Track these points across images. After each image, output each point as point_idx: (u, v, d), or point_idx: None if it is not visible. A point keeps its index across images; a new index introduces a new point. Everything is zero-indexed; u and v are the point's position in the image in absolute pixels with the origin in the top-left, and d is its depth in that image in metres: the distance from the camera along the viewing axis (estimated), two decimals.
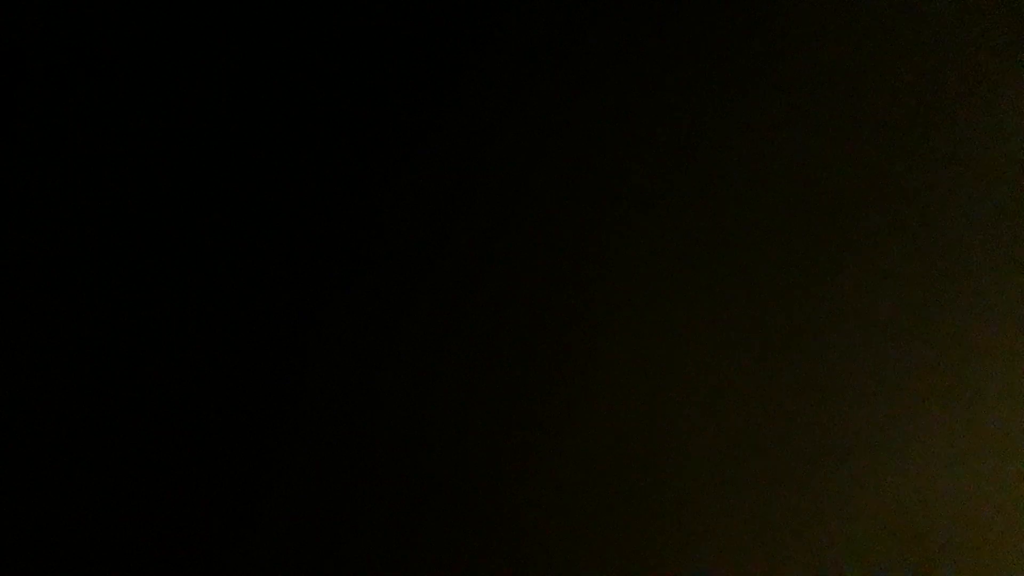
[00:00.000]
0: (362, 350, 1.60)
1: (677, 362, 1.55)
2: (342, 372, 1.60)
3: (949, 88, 1.53)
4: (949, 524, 1.48)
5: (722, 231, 1.56)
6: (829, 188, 1.55)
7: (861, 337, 1.52)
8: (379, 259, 1.61)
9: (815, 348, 1.53)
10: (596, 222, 1.58)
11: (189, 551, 1.58)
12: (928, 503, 1.49)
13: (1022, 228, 1.51)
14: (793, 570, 1.51)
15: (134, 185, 1.63)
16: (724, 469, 1.53)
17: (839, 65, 1.55)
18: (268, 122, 1.63)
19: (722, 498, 1.53)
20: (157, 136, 1.64)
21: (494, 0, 1.62)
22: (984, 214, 1.51)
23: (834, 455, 1.51)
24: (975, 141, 1.52)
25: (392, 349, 1.60)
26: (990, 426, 1.49)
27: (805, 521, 1.51)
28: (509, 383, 1.58)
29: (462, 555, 1.57)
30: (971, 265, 1.51)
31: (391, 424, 1.59)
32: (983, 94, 1.53)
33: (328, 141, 1.63)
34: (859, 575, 1.49)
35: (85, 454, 1.60)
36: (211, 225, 1.62)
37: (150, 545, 1.58)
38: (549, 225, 1.59)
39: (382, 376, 1.60)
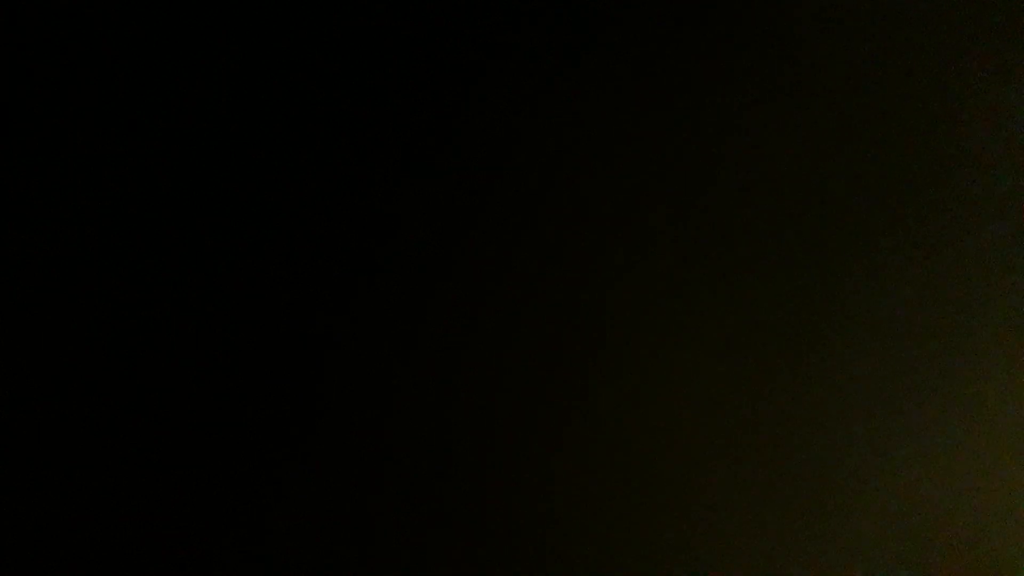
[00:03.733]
0: (370, 352, 1.60)
1: (681, 363, 1.55)
2: (352, 375, 1.60)
3: (950, 88, 1.53)
4: (949, 524, 1.48)
5: (723, 233, 1.56)
6: (830, 190, 1.54)
7: (862, 338, 1.52)
8: (389, 262, 1.61)
9: (816, 349, 1.53)
10: (601, 224, 1.58)
11: (200, 551, 1.58)
12: (928, 503, 1.49)
13: (1022, 228, 1.51)
14: (794, 570, 1.51)
15: (171, 188, 1.63)
16: (726, 469, 1.53)
17: (842, 67, 1.55)
18: (284, 123, 1.63)
19: (724, 498, 1.53)
20: (188, 139, 1.63)
21: (501, 6, 1.62)
22: (984, 214, 1.51)
23: (835, 455, 1.51)
24: (976, 142, 1.52)
25: (399, 351, 1.60)
26: (991, 426, 1.49)
27: (806, 521, 1.51)
28: (514, 384, 1.58)
29: (463, 555, 1.57)
30: (971, 266, 1.51)
31: (397, 425, 1.59)
32: (984, 94, 1.53)
33: (344, 144, 1.63)
34: (860, 575, 1.49)
35: (96, 455, 1.60)
36: (225, 227, 1.62)
37: (158, 547, 1.59)
38: (554, 227, 1.59)
39: (391, 378, 1.60)
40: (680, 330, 1.56)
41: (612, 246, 1.58)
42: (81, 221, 1.62)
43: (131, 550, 1.59)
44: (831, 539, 1.51)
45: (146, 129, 1.63)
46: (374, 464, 1.59)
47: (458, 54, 1.62)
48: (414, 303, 1.61)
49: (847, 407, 1.52)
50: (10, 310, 1.61)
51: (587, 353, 1.57)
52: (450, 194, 1.61)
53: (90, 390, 1.61)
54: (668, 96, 1.58)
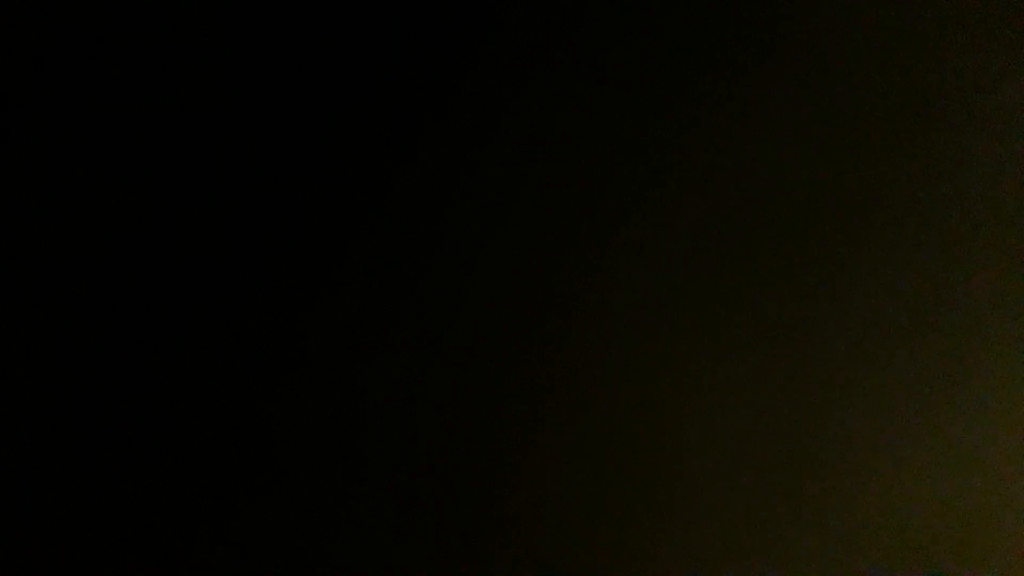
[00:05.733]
0: (358, 349, 1.60)
1: (676, 363, 1.55)
2: (338, 372, 1.60)
3: (949, 87, 1.53)
4: (949, 524, 1.48)
5: (721, 232, 1.56)
6: (829, 188, 1.55)
7: (861, 338, 1.52)
8: (373, 258, 1.61)
9: (816, 348, 1.53)
10: (595, 221, 1.58)
11: (180, 550, 1.58)
12: (928, 504, 1.49)
13: (1022, 228, 1.51)
14: (793, 570, 1.51)
15: (125, 182, 1.63)
16: (724, 470, 1.53)
17: (839, 64, 1.55)
18: (258, 118, 1.63)
19: (722, 499, 1.53)
20: (146, 131, 1.64)
21: (502, 3, 1.62)
22: (984, 214, 1.51)
23: (834, 456, 1.51)
24: (975, 141, 1.52)
25: (389, 348, 1.60)
26: (990, 426, 1.49)
27: (805, 521, 1.51)
28: (508, 383, 1.58)
29: (463, 556, 1.57)
30: (971, 265, 1.51)
31: (387, 424, 1.59)
32: (983, 93, 1.53)
33: (321, 138, 1.63)
34: (859, 575, 1.49)
35: (79, 454, 1.60)
36: (203, 223, 1.62)
37: (141, 544, 1.58)
38: (547, 223, 1.59)
39: (378, 375, 1.60)
40: (678, 328, 1.56)
41: (609, 243, 1.58)
42: (56, 215, 1.63)
43: (120, 548, 1.59)
44: (829, 539, 1.50)
45: (123, 121, 1.64)
46: (361, 463, 1.59)
47: (456, 50, 1.63)
48: (406, 299, 1.61)
49: (846, 406, 1.52)
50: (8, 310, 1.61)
51: (583, 351, 1.57)
52: (447, 192, 1.61)
53: (75, 387, 1.61)
54: (664, 91, 1.59)
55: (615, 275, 1.58)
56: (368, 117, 1.63)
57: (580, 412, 1.57)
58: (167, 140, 1.63)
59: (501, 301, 1.59)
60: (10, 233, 1.62)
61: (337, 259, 1.61)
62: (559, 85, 1.61)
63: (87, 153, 1.63)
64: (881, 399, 1.51)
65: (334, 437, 1.59)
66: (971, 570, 1.46)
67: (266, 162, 1.63)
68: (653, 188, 1.58)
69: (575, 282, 1.58)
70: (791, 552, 1.51)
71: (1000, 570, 1.46)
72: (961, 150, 1.52)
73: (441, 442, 1.58)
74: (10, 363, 1.60)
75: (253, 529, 1.58)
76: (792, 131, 1.56)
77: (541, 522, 1.56)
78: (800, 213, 1.55)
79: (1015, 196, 1.51)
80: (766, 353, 1.54)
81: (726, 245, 1.56)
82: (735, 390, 1.54)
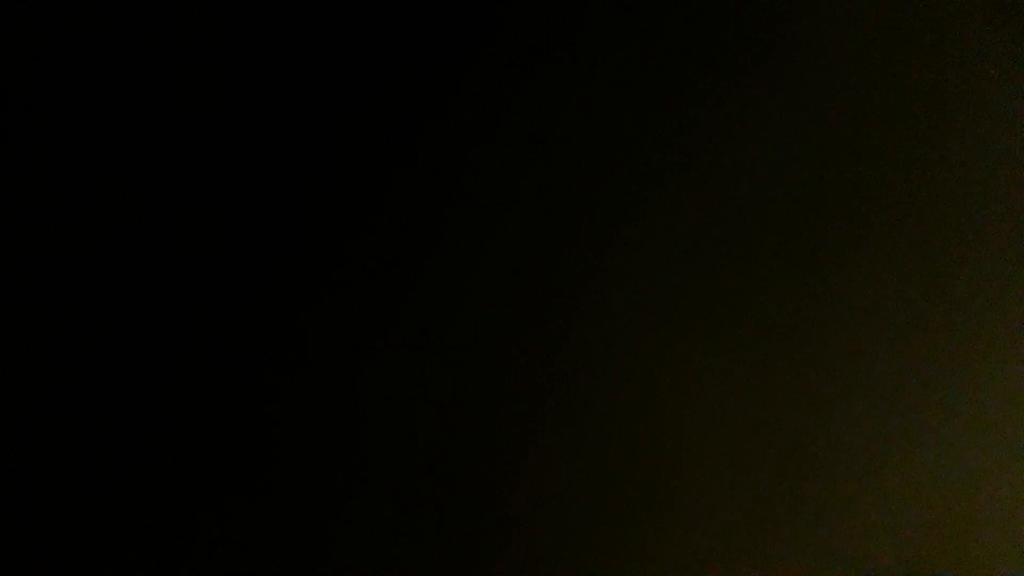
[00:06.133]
0: (358, 349, 1.60)
1: (675, 362, 1.55)
2: (338, 372, 1.60)
3: (949, 87, 1.53)
4: (949, 524, 1.48)
5: (720, 231, 1.56)
6: (828, 187, 1.54)
7: (861, 337, 1.52)
8: (373, 258, 1.61)
9: (815, 347, 1.53)
10: (595, 221, 1.58)
11: (180, 550, 1.58)
12: (928, 503, 1.49)
13: (1022, 228, 1.51)
14: (793, 570, 1.50)
15: (125, 182, 1.63)
16: (724, 469, 1.53)
17: (839, 64, 1.55)
18: (258, 118, 1.63)
19: (722, 499, 1.53)
20: (146, 131, 1.63)
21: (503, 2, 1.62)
22: (984, 214, 1.51)
23: (834, 456, 1.51)
24: (975, 141, 1.52)
25: (389, 348, 1.60)
26: (991, 426, 1.48)
27: (805, 521, 1.51)
28: (508, 383, 1.58)
29: (463, 556, 1.57)
30: (971, 265, 1.51)
31: (387, 424, 1.59)
32: (983, 93, 1.53)
33: (321, 138, 1.63)
34: (859, 575, 1.49)
35: (71, 454, 1.60)
36: (203, 223, 1.62)
37: (141, 544, 1.58)
38: (547, 223, 1.59)
39: (378, 375, 1.60)
40: (678, 328, 1.56)
41: (609, 243, 1.58)
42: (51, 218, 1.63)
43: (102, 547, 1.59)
44: (829, 540, 1.50)
45: (123, 121, 1.63)
46: (367, 461, 1.59)
47: (456, 50, 1.63)
48: (406, 299, 1.61)
49: (846, 406, 1.52)
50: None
51: (583, 351, 1.57)
52: (447, 192, 1.61)
53: (66, 387, 1.61)
54: (663, 89, 1.58)
55: (615, 275, 1.57)
56: (368, 117, 1.63)
57: (580, 412, 1.57)
58: (167, 140, 1.63)
59: (501, 301, 1.59)
60: (10, 233, 1.62)
61: (337, 259, 1.61)
62: (559, 85, 1.60)
63: (87, 153, 1.63)
64: (881, 399, 1.51)
65: (334, 437, 1.59)
66: (971, 571, 1.46)
67: (266, 162, 1.63)
68: (653, 188, 1.58)
69: (575, 282, 1.58)
70: (791, 552, 1.51)
71: (1000, 571, 1.46)
72: (961, 150, 1.52)
73: (441, 442, 1.58)
74: (10, 363, 1.60)
75: (253, 529, 1.58)
76: (792, 131, 1.56)
77: (541, 522, 1.56)
78: (800, 213, 1.55)
79: (1015, 196, 1.51)
80: (766, 353, 1.54)
81: (726, 245, 1.56)
82: (735, 390, 1.54)
